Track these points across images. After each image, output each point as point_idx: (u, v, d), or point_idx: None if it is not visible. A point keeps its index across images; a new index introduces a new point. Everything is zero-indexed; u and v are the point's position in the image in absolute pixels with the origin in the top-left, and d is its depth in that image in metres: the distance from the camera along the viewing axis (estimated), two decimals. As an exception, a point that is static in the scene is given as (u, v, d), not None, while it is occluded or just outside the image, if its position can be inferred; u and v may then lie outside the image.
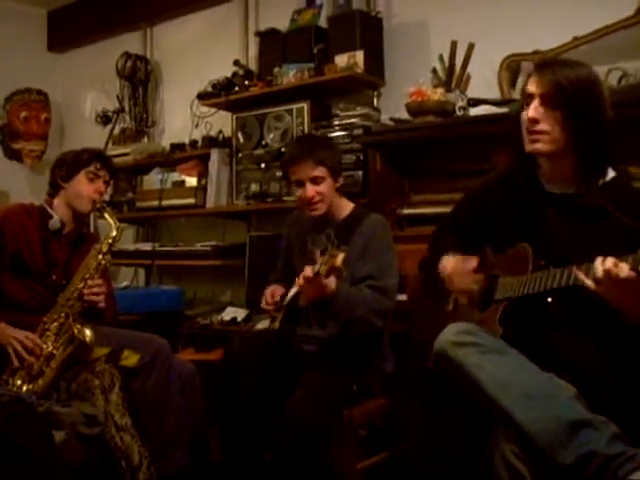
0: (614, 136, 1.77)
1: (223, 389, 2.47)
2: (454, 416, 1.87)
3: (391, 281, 2.43)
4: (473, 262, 1.95)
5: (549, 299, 1.74)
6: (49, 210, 2.66)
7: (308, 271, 2.18)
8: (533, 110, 1.78)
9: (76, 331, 2.42)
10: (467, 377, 1.63)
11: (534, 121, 1.78)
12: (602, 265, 1.50)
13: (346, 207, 2.61)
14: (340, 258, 2.10)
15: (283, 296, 2.61)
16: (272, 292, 2.64)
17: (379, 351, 2.50)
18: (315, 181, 2.48)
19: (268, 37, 3.72)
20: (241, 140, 3.73)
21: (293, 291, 2.50)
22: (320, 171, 2.47)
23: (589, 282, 1.52)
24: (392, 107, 3.29)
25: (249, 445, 2.36)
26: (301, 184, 2.50)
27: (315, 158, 2.47)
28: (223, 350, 2.58)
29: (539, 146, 1.81)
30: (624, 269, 1.46)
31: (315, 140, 2.68)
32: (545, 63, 1.85)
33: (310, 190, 2.48)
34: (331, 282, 2.23)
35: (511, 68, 2.99)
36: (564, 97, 1.73)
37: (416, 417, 2.13)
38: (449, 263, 2.01)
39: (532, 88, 1.79)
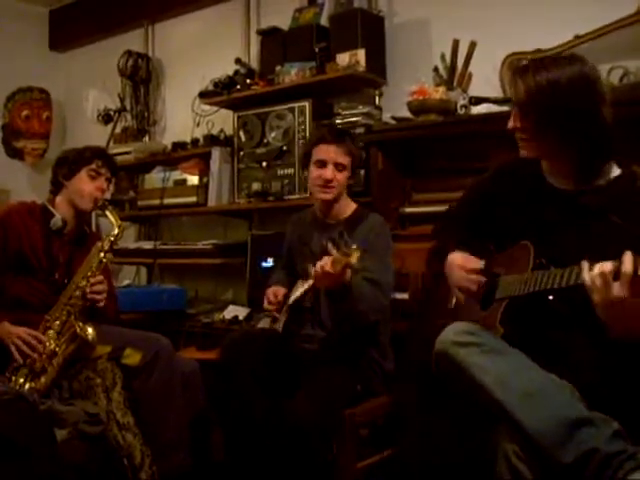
0: (612, 134, 1.74)
1: (219, 386, 2.48)
2: (454, 415, 1.87)
3: (387, 277, 2.43)
4: (479, 263, 1.94)
5: (550, 297, 1.74)
6: (51, 209, 2.67)
7: (328, 265, 2.15)
8: (510, 119, 1.80)
9: (78, 329, 2.42)
10: (468, 377, 1.62)
11: (514, 129, 1.80)
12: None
13: (350, 207, 2.64)
14: (355, 256, 2.10)
15: (285, 297, 2.62)
16: (274, 292, 2.65)
17: (379, 348, 2.50)
18: (338, 167, 2.53)
19: (270, 35, 3.72)
20: (243, 139, 3.74)
21: (298, 292, 2.50)
22: (346, 160, 2.55)
23: (588, 282, 1.51)
24: (394, 106, 3.29)
25: (250, 443, 2.36)
26: (323, 165, 2.54)
27: (347, 146, 2.56)
28: (219, 347, 2.57)
29: (524, 152, 1.83)
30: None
31: (348, 133, 2.76)
32: (522, 67, 1.81)
33: (331, 172, 2.52)
34: (347, 273, 2.22)
35: (513, 66, 2.97)
36: (537, 104, 1.72)
37: (416, 416, 2.13)
38: (456, 258, 1.99)
39: (511, 95, 1.80)
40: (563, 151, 1.77)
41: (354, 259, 2.10)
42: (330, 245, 2.22)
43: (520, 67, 1.83)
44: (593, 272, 1.49)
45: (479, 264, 1.93)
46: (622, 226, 1.64)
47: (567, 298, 1.70)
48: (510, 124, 1.81)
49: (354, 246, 2.12)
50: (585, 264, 1.52)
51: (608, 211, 1.68)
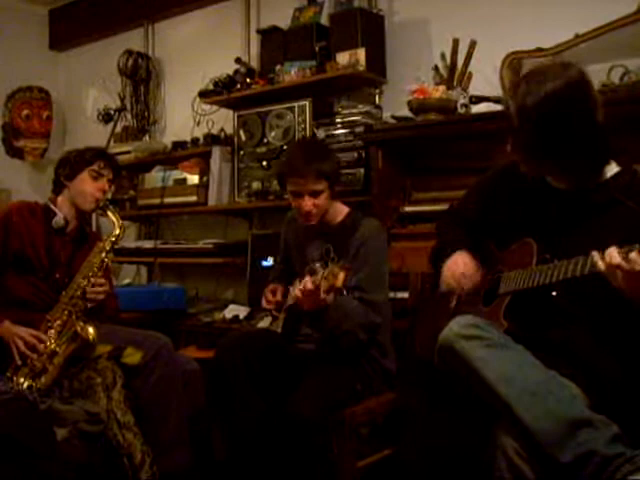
0: (608, 136, 1.73)
1: (214, 386, 2.47)
2: (455, 413, 1.87)
3: (381, 296, 2.41)
4: (478, 273, 1.95)
5: (553, 293, 1.74)
6: (53, 208, 2.67)
7: (309, 284, 2.14)
8: (508, 145, 1.79)
9: (79, 328, 2.42)
10: (471, 370, 1.63)
11: (508, 149, 1.80)
12: (615, 253, 1.49)
13: (341, 211, 2.56)
14: (341, 278, 2.05)
15: (284, 295, 2.61)
16: (272, 291, 2.64)
17: (380, 347, 2.50)
18: (314, 194, 2.41)
19: (270, 35, 3.72)
20: (243, 138, 3.74)
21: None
22: (321, 184, 2.40)
23: (602, 266, 1.50)
24: (394, 105, 3.30)
25: (250, 442, 2.36)
26: (299, 195, 2.43)
27: (317, 171, 2.38)
28: (214, 347, 2.57)
29: (522, 170, 1.83)
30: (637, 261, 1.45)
31: (317, 149, 2.56)
32: (515, 83, 1.80)
33: (308, 203, 2.41)
34: (329, 295, 2.20)
35: (513, 66, 2.98)
36: (526, 122, 1.69)
37: (417, 414, 2.13)
38: (463, 256, 2.00)
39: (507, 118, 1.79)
40: (565, 164, 1.77)
41: (339, 282, 2.06)
42: (318, 264, 2.21)
43: (516, 81, 1.82)
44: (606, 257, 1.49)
45: (478, 274, 1.94)
46: (636, 210, 1.64)
47: (571, 293, 1.70)
48: (509, 148, 1.80)
49: (340, 265, 2.09)
50: (595, 253, 1.52)
51: (623, 199, 1.67)
